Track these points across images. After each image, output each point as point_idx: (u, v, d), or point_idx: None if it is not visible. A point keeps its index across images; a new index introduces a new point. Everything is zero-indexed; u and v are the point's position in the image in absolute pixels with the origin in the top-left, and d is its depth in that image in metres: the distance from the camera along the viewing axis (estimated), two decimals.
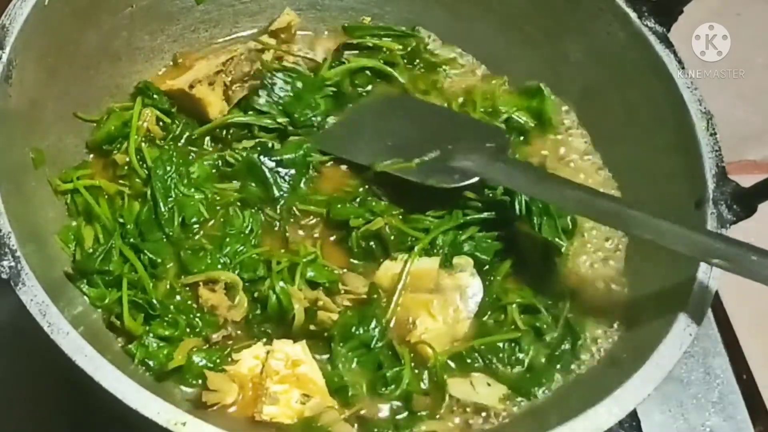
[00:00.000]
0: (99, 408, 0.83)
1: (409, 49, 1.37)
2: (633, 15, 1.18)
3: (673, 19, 1.18)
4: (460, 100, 1.33)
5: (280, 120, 1.22)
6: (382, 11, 1.41)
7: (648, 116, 1.18)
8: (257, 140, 1.21)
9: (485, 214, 1.17)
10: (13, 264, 0.86)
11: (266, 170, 1.18)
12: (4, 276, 0.85)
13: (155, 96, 1.22)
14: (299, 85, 1.26)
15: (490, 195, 1.20)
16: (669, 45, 1.16)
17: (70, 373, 0.82)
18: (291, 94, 1.24)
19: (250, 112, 1.23)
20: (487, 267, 1.14)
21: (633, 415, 1.24)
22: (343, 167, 1.23)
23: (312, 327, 1.05)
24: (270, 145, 1.21)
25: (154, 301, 1.04)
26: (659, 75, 1.15)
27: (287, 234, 1.16)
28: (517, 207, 1.17)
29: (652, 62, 1.16)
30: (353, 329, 1.05)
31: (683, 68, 1.14)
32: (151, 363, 1.01)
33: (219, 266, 1.09)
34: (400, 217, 1.16)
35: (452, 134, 1.23)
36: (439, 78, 1.36)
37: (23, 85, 1.00)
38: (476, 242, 1.15)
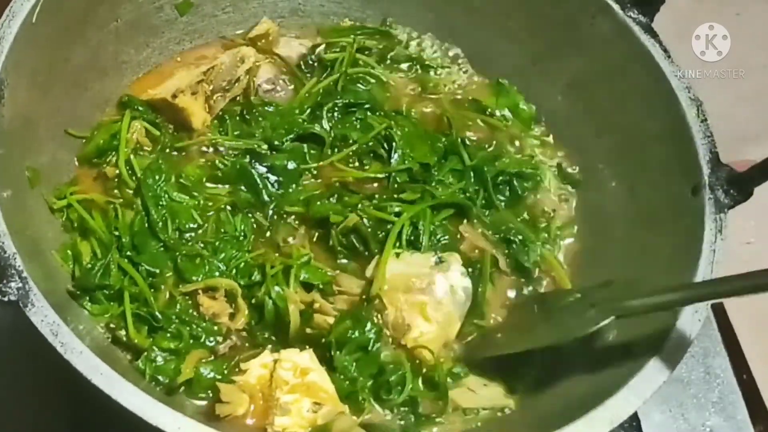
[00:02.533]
0: (99, 408, 0.82)
1: (382, 45, 1.38)
2: (616, 6, 1.19)
3: (655, 9, 1.19)
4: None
5: (260, 145, 1.21)
6: (363, 14, 1.41)
7: (637, 106, 1.19)
8: (255, 145, 1.20)
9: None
10: (20, 285, 0.85)
11: (256, 175, 1.17)
12: (12, 298, 0.84)
13: (140, 108, 1.21)
14: (277, 119, 1.24)
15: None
16: (654, 35, 1.17)
17: (70, 374, 0.82)
18: (269, 125, 1.23)
19: (237, 133, 1.22)
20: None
21: (633, 416, 1.23)
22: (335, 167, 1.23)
23: (309, 330, 1.05)
24: (261, 150, 1.20)
25: (157, 312, 1.04)
26: (645, 65, 1.16)
27: (278, 238, 1.16)
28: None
29: (638, 52, 1.17)
30: (349, 333, 1.04)
31: (669, 57, 1.15)
32: (160, 378, 1.00)
33: (216, 273, 1.09)
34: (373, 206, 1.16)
35: None
36: (432, 79, 1.37)
37: (15, 104, 0.99)
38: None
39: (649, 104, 1.17)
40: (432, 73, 1.38)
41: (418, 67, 1.38)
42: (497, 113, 1.34)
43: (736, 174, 1.05)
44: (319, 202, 1.17)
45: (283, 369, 0.97)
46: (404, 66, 1.38)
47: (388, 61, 1.37)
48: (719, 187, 1.04)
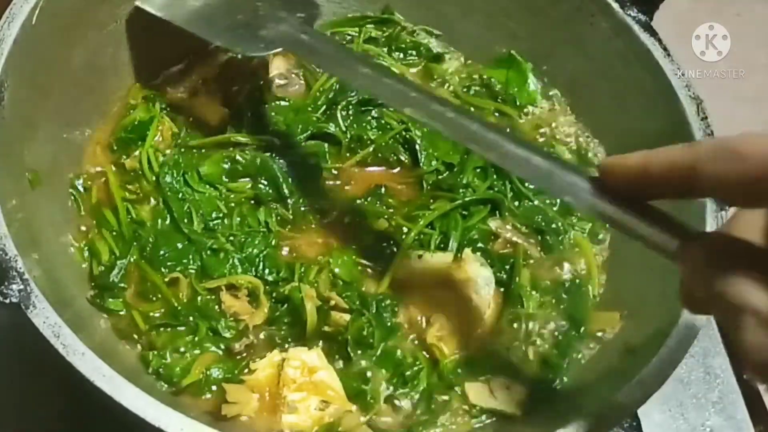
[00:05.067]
0: (99, 409, 0.82)
1: (387, 34, 1.38)
2: (615, 5, 1.19)
3: (655, 7, 1.19)
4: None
5: (275, 141, 1.20)
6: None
7: (637, 105, 1.19)
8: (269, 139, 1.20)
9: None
10: (22, 287, 0.84)
11: (277, 169, 1.16)
12: (14, 299, 0.84)
13: (163, 104, 1.22)
14: (291, 115, 1.23)
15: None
16: (653, 33, 1.17)
17: (69, 373, 0.82)
18: (283, 121, 1.23)
19: (252, 128, 1.21)
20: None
21: (633, 415, 1.24)
22: (358, 169, 1.24)
23: (326, 328, 1.04)
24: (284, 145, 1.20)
25: (179, 307, 1.05)
26: (645, 64, 1.16)
27: (300, 232, 1.16)
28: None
29: (638, 51, 1.17)
30: (367, 330, 1.04)
31: (669, 55, 1.15)
32: (168, 376, 1.00)
33: (240, 269, 1.08)
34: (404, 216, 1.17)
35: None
36: (439, 67, 1.37)
37: (15, 106, 0.98)
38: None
39: (649, 102, 1.17)
40: (438, 60, 1.37)
41: (423, 51, 1.37)
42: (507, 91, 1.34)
43: None
44: (357, 202, 1.18)
45: (290, 367, 0.97)
46: (411, 54, 1.37)
47: (396, 51, 1.37)
48: None
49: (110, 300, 1.04)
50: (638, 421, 1.24)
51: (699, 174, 0.62)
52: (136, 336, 1.04)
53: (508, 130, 1.14)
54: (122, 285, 1.06)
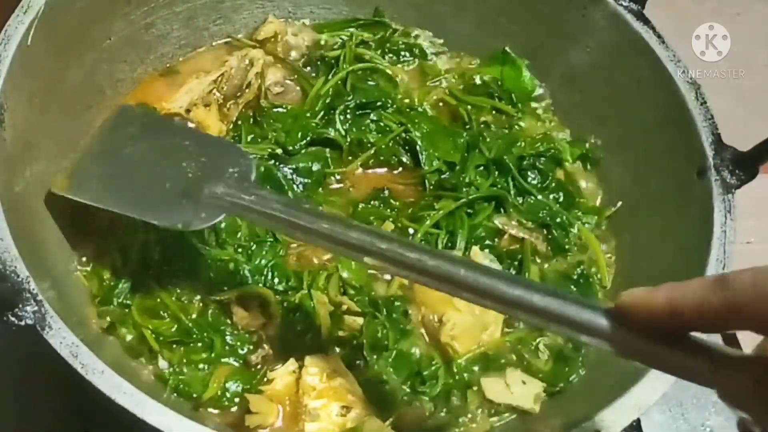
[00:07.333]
0: (99, 408, 0.81)
1: (379, 36, 1.37)
2: None
3: None
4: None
5: (274, 149, 1.20)
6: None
7: (635, 94, 1.20)
8: (269, 149, 1.19)
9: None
10: (36, 309, 0.83)
11: (281, 177, 1.16)
12: (29, 321, 0.82)
13: None
14: (289, 120, 1.23)
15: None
16: (646, 22, 1.17)
17: (68, 373, 0.81)
18: (282, 128, 1.22)
19: (251, 137, 1.21)
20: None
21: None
22: (360, 172, 1.23)
23: (340, 333, 1.04)
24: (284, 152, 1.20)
25: (190, 324, 1.03)
26: (640, 52, 1.17)
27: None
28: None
29: (632, 40, 1.18)
30: (381, 332, 1.03)
31: (663, 42, 1.15)
32: (187, 392, 0.99)
33: (249, 280, 1.07)
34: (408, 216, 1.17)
35: (193, 157, 1.05)
36: (433, 66, 1.37)
37: (16, 128, 0.97)
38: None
39: (647, 90, 1.17)
40: (431, 59, 1.38)
41: (417, 52, 1.37)
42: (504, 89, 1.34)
43: (740, 153, 1.05)
44: (361, 207, 1.17)
45: (309, 375, 0.97)
46: (404, 55, 1.37)
47: (389, 54, 1.36)
48: (724, 167, 1.04)
49: (121, 328, 1.04)
50: (638, 421, 1.24)
51: (742, 314, 0.60)
52: (150, 354, 1.03)
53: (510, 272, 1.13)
54: (127, 302, 1.05)
